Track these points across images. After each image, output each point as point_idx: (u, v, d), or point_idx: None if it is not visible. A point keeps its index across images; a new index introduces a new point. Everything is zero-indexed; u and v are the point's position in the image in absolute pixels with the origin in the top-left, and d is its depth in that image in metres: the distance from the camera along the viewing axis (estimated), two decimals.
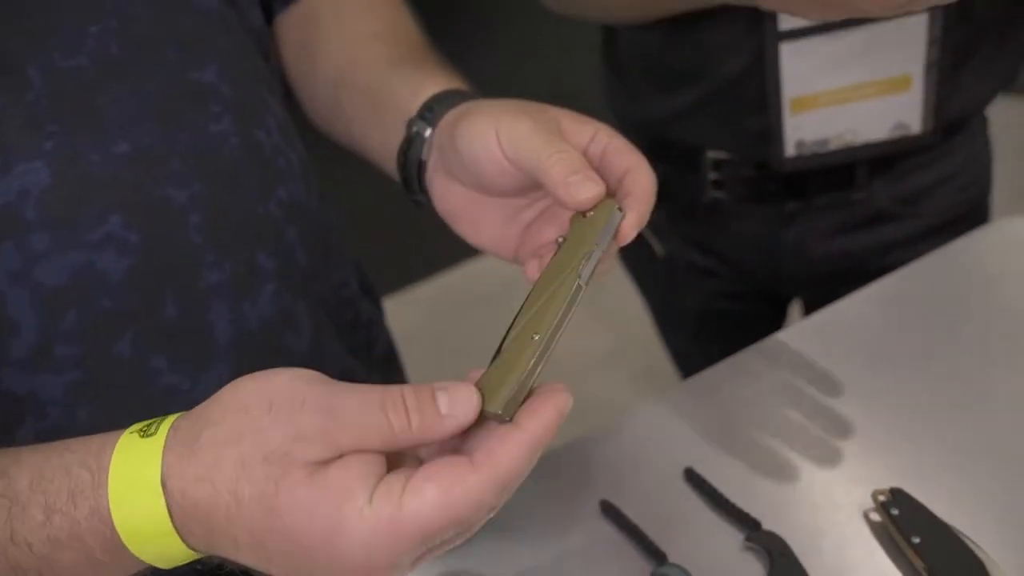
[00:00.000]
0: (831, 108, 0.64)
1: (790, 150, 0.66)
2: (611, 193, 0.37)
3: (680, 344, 0.91)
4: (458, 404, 0.28)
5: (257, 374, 0.30)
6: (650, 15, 0.65)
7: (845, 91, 0.63)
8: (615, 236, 0.36)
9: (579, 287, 0.33)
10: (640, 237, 0.83)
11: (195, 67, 0.44)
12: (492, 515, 0.29)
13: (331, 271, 0.53)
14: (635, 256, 0.85)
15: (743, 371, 0.58)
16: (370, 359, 0.58)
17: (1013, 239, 0.65)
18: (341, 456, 0.27)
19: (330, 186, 0.56)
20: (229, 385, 0.30)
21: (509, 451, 0.27)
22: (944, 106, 0.64)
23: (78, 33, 0.39)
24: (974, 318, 0.59)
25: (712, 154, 0.70)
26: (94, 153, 0.39)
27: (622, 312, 1.62)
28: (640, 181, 0.37)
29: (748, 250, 0.75)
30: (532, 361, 0.30)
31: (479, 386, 0.30)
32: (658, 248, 0.78)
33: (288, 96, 0.57)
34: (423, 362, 0.95)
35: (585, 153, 0.38)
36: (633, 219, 0.36)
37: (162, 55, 0.42)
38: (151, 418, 0.31)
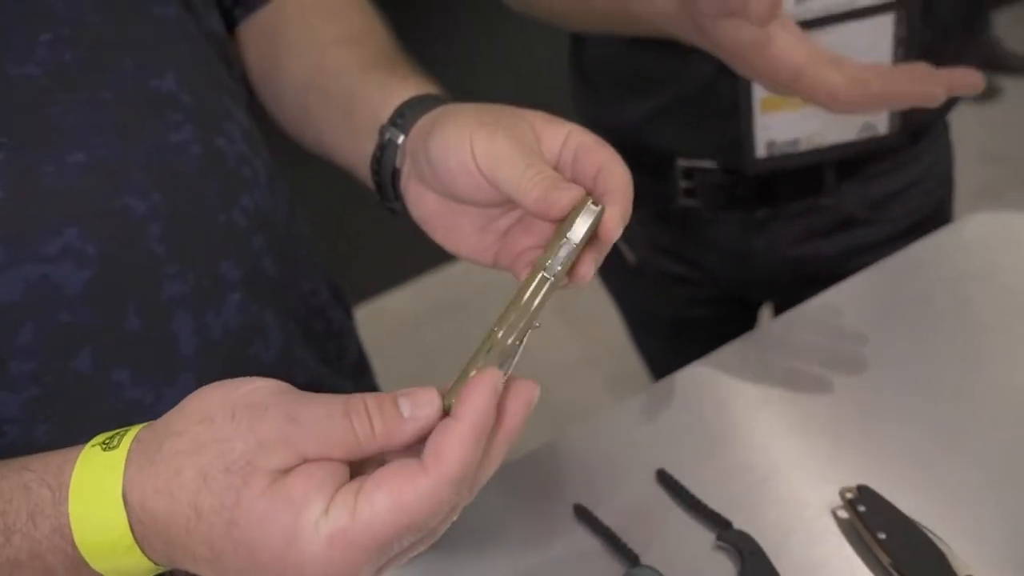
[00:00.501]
0: (801, 109, 0.64)
1: (760, 151, 0.66)
2: (589, 193, 0.36)
3: (653, 350, 0.92)
4: (419, 407, 0.28)
5: (221, 383, 0.29)
6: (601, 30, 0.65)
7: None
8: (599, 234, 0.35)
9: (543, 279, 0.33)
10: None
11: (153, 75, 0.43)
12: (454, 517, 0.29)
13: (300, 280, 0.52)
14: (607, 264, 0.86)
15: (712, 373, 0.59)
16: (341, 368, 0.58)
17: (973, 238, 0.67)
18: (304, 463, 0.27)
19: (300, 194, 0.56)
20: (193, 394, 0.29)
21: (452, 444, 0.27)
22: (910, 108, 0.65)
23: (28, 42, 0.38)
24: (939, 317, 0.60)
25: (683, 162, 0.70)
26: (48, 164, 0.38)
27: (593, 317, 1.63)
28: (614, 175, 0.36)
29: (719, 257, 0.76)
30: (493, 356, 0.30)
31: (446, 388, 0.30)
32: (629, 256, 0.79)
33: (253, 103, 0.56)
34: (397, 371, 0.95)
35: (559, 156, 0.37)
36: (615, 214, 0.34)
37: (118, 63, 0.42)
38: None
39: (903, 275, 0.64)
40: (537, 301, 0.32)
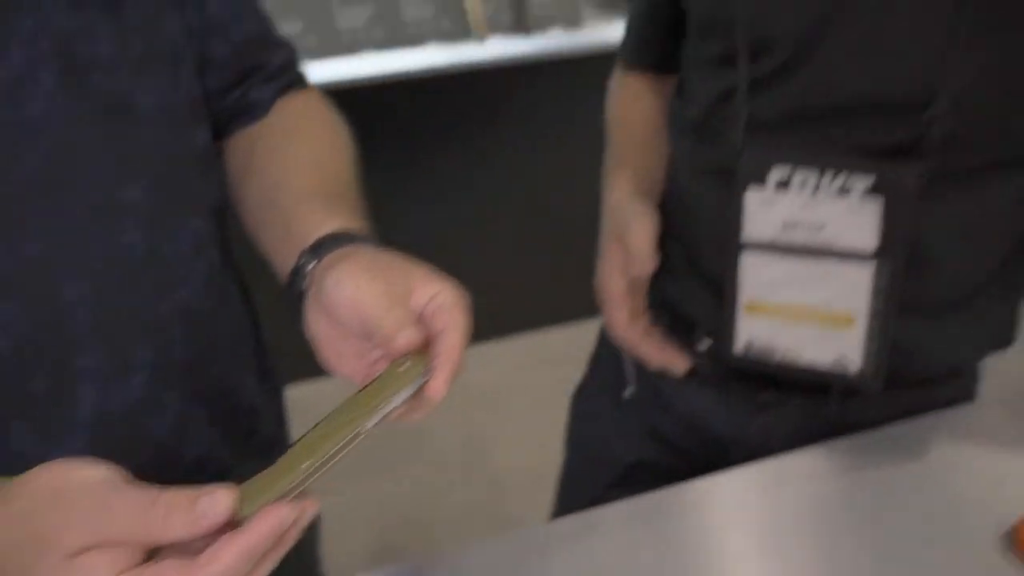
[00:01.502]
0: (781, 321, 0.64)
1: (739, 348, 0.66)
2: (427, 351, 0.43)
3: (585, 488, 0.87)
4: (212, 506, 0.34)
5: (63, 464, 0.36)
6: None
7: (795, 309, 0.64)
8: (425, 393, 0.42)
9: (358, 434, 0.39)
10: (620, 367, 0.75)
11: (119, 187, 0.50)
12: None
13: (212, 364, 0.59)
14: (604, 379, 0.85)
15: (620, 521, 0.61)
16: (248, 446, 0.64)
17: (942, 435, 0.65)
18: (101, 545, 0.34)
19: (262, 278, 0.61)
20: (36, 468, 0.36)
21: (227, 551, 0.33)
22: (890, 356, 0.62)
23: (27, 149, 0.46)
24: (887, 510, 0.60)
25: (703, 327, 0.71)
26: (5, 253, 0.46)
27: None
28: (448, 341, 0.42)
29: (705, 423, 0.75)
30: (291, 486, 0.36)
31: (247, 486, 0.36)
32: (631, 381, 0.79)
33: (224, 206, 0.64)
34: None
35: (424, 307, 0.44)
36: (440, 380, 0.42)
37: (93, 175, 0.49)
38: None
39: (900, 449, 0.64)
40: (349, 448, 0.38)
